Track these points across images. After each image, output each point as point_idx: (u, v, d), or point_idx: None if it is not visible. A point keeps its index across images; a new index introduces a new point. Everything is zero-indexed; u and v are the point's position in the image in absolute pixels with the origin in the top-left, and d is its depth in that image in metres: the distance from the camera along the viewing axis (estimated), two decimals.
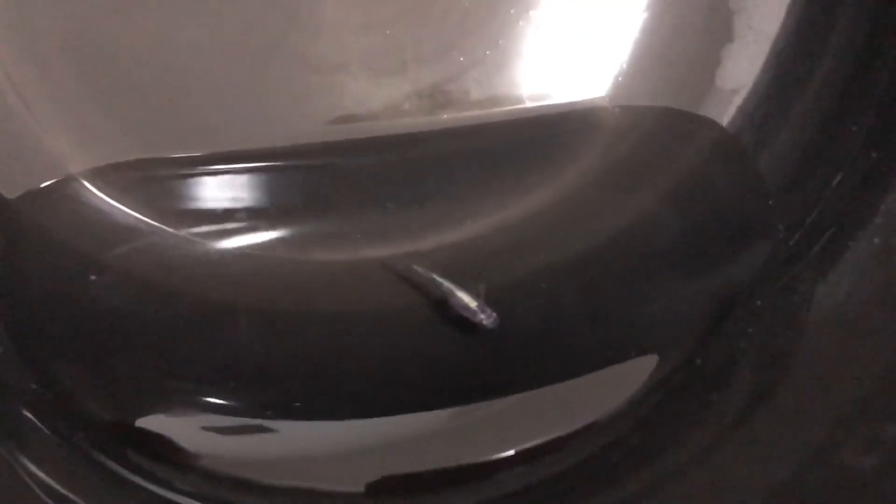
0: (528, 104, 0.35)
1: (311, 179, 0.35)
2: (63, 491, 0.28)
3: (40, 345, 0.31)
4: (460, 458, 0.31)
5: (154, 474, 0.29)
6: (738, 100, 0.35)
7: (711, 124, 0.35)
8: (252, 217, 0.34)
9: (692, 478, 0.26)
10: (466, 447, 0.31)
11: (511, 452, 0.30)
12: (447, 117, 0.35)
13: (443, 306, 0.32)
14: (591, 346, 0.32)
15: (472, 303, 0.32)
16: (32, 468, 0.29)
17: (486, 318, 0.31)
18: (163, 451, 0.30)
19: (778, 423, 0.26)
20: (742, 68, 0.35)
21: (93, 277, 0.32)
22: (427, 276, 0.32)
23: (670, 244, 0.34)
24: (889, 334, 0.26)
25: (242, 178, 0.34)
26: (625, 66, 0.35)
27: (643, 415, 0.29)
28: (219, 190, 0.34)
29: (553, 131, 0.35)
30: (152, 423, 0.30)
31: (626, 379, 0.30)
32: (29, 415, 0.29)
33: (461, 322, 0.32)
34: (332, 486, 0.30)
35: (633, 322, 0.32)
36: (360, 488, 0.30)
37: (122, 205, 0.33)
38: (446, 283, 0.32)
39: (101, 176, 0.33)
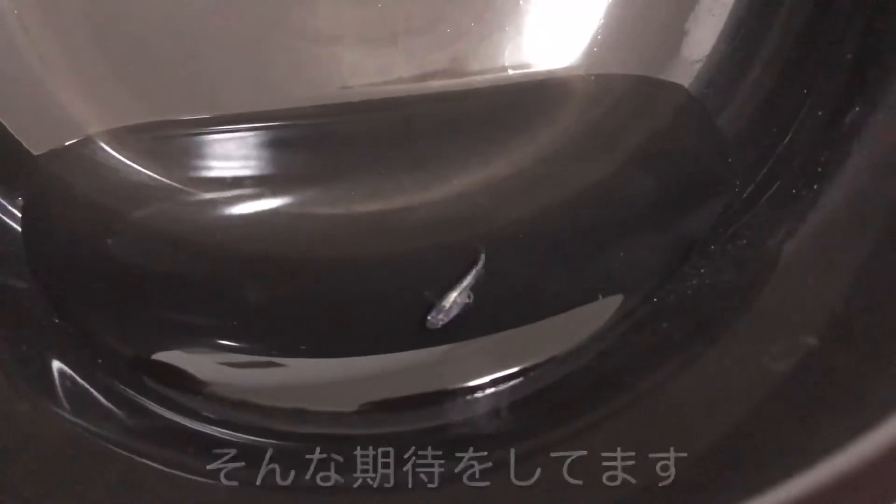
0: (510, 73, 0.38)
1: (310, 141, 0.38)
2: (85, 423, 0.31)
3: (64, 288, 0.34)
4: (441, 384, 0.34)
5: (169, 400, 0.32)
6: (701, 67, 0.38)
7: (678, 89, 0.38)
8: (256, 174, 0.37)
9: (654, 400, 0.29)
10: (446, 375, 0.34)
11: (485, 380, 0.33)
12: (436, 84, 0.38)
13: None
14: (563, 288, 0.35)
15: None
16: (58, 409, 0.31)
17: (433, 319, 0.34)
18: (177, 380, 0.33)
19: (724, 345, 0.29)
20: (705, 38, 0.38)
21: (110, 229, 0.35)
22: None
23: (638, 198, 0.37)
24: (819, 267, 0.30)
25: (247, 140, 0.37)
26: (599, 37, 0.38)
27: (606, 347, 0.32)
28: (224, 150, 0.37)
29: (533, 97, 0.38)
30: (168, 357, 0.34)
31: (593, 316, 0.33)
32: (52, 350, 0.32)
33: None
34: (329, 408, 0.33)
35: (602, 267, 0.35)
36: (354, 408, 0.33)
37: (135, 163, 0.36)
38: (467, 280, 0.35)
39: (117, 137, 0.36)
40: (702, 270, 0.32)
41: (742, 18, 0.37)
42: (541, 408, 0.31)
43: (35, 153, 0.35)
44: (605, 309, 0.33)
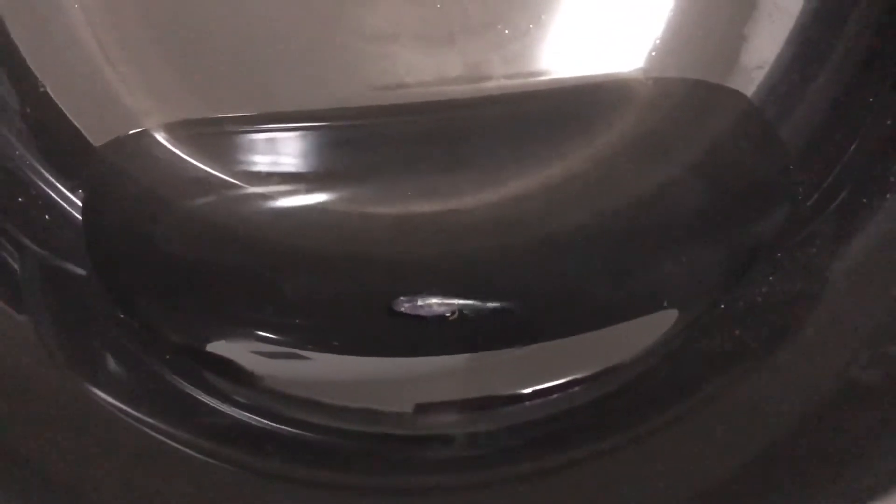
0: (568, 75, 0.38)
1: (365, 140, 0.38)
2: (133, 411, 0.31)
3: (120, 276, 0.34)
4: (500, 389, 0.34)
5: (221, 392, 0.32)
6: (762, 74, 0.37)
7: (737, 96, 0.37)
8: (309, 171, 0.37)
9: (722, 404, 0.28)
10: (498, 381, 0.34)
11: (545, 386, 0.32)
12: (492, 85, 0.37)
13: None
14: (624, 294, 0.34)
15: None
16: (109, 396, 0.31)
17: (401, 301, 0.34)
18: (229, 371, 0.33)
19: (797, 353, 0.28)
20: (767, 44, 0.38)
21: (164, 220, 0.35)
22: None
23: (696, 206, 0.37)
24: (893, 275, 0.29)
25: (301, 137, 0.37)
26: (658, 41, 0.38)
27: (674, 352, 0.31)
28: (278, 146, 0.37)
29: (589, 100, 0.38)
30: (219, 348, 0.34)
31: (659, 323, 0.33)
32: (108, 338, 0.32)
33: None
34: (393, 408, 0.33)
35: (662, 273, 0.35)
36: (410, 409, 0.33)
37: (190, 156, 0.36)
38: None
39: (173, 130, 0.36)
40: (770, 278, 0.32)
41: (805, 25, 0.37)
42: (606, 413, 0.30)
43: (95, 144, 0.35)
44: (670, 315, 0.32)
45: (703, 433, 0.28)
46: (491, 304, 0.35)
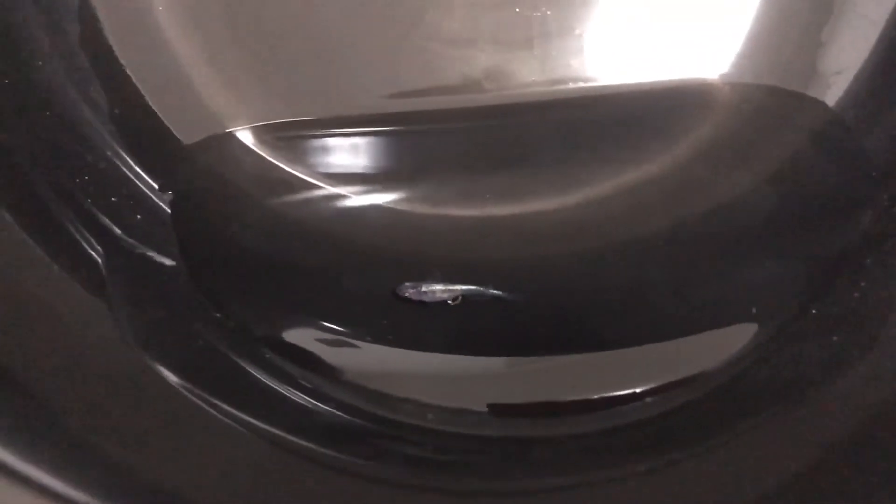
0: (645, 79, 0.38)
1: (443, 142, 0.38)
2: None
3: (207, 270, 0.35)
4: (576, 394, 0.34)
5: (300, 383, 0.32)
6: (842, 80, 0.37)
7: (816, 103, 0.37)
8: (389, 174, 0.37)
9: (817, 402, 0.28)
10: (583, 385, 0.34)
11: (631, 391, 0.32)
12: (570, 89, 0.38)
13: None
14: (704, 303, 0.34)
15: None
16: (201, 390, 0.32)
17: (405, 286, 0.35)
18: (307, 361, 0.33)
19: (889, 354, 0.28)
20: (846, 50, 0.37)
21: (246, 217, 0.36)
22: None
23: (777, 212, 0.37)
24: None
25: (380, 139, 0.37)
26: (736, 46, 0.38)
27: (765, 356, 0.31)
28: (358, 148, 0.37)
29: (667, 105, 0.38)
30: (299, 338, 0.34)
31: (741, 332, 0.33)
32: (194, 327, 0.33)
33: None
34: (457, 404, 0.33)
35: (747, 279, 0.35)
36: (484, 408, 0.33)
37: (271, 157, 0.37)
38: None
39: (257, 132, 0.37)
40: (862, 284, 0.31)
41: (888, 32, 0.37)
42: (702, 415, 0.30)
43: (185, 143, 0.36)
44: (759, 321, 0.32)
45: (800, 428, 0.27)
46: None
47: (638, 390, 0.31)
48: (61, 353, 0.30)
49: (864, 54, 0.37)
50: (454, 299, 0.35)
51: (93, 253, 0.33)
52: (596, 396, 0.32)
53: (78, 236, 0.33)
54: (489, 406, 0.34)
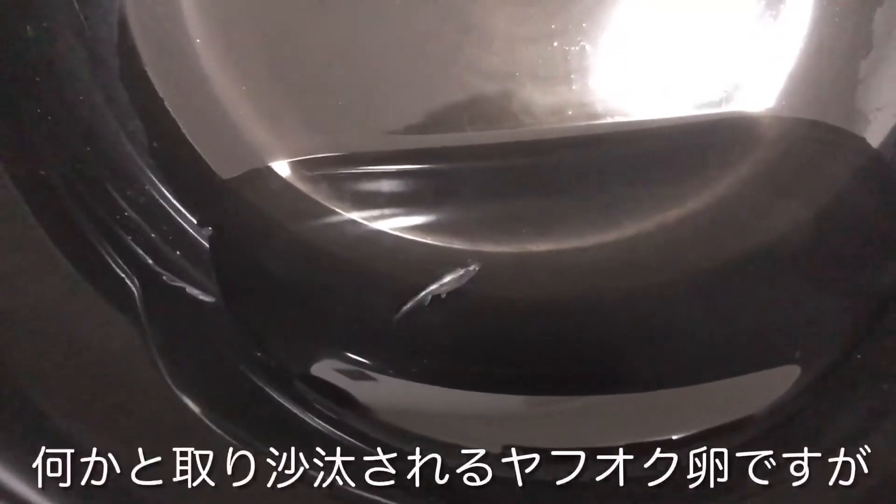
0: (684, 114, 0.37)
1: (480, 177, 0.38)
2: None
3: (245, 305, 0.35)
4: (615, 438, 0.33)
5: (328, 416, 0.32)
6: (882, 117, 0.37)
7: (857, 139, 0.37)
8: (426, 210, 0.37)
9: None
10: (616, 429, 0.34)
11: (668, 437, 0.32)
12: (607, 123, 0.37)
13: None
14: (744, 345, 0.34)
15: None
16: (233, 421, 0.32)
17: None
18: (336, 397, 0.33)
19: None
20: (887, 87, 0.37)
21: (283, 252, 0.36)
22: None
23: (816, 252, 0.36)
24: None
25: (419, 174, 0.37)
26: (777, 81, 0.37)
27: (805, 403, 0.31)
28: (396, 184, 0.37)
29: (707, 139, 0.37)
30: (326, 373, 0.34)
31: (783, 376, 0.32)
32: (233, 365, 0.33)
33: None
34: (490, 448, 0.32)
35: (787, 324, 0.34)
36: (499, 450, 0.32)
37: (311, 192, 0.37)
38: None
39: (294, 167, 0.37)
40: None
41: None
42: (738, 464, 0.30)
43: (224, 178, 0.36)
44: (802, 365, 0.32)
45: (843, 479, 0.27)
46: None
47: (675, 437, 0.31)
48: (101, 397, 0.30)
49: None
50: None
51: (132, 286, 0.33)
52: (632, 441, 0.31)
53: (119, 271, 0.33)
54: (518, 448, 0.33)
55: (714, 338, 0.35)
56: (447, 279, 0.35)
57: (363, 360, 0.35)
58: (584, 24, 0.37)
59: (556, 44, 0.37)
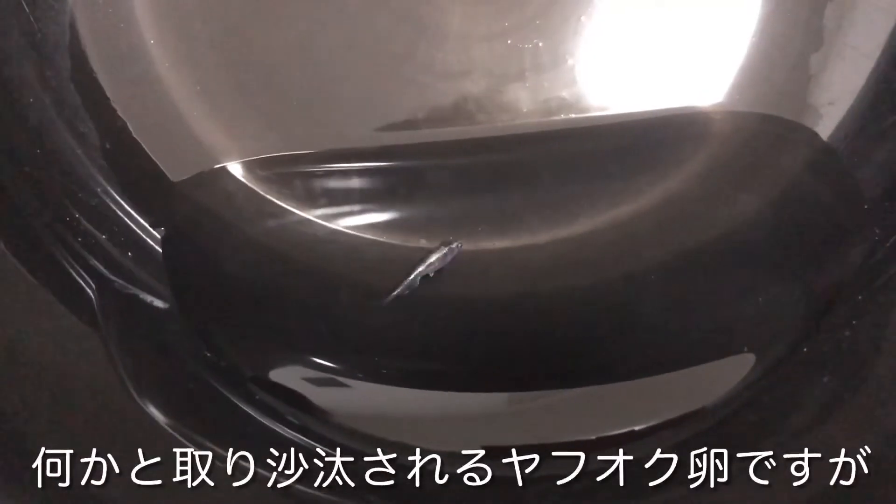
0: (637, 109, 0.38)
1: (436, 175, 0.38)
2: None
3: (199, 308, 0.35)
4: (570, 433, 0.34)
5: (285, 418, 0.33)
6: (834, 111, 0.37)
7: (809, 133, 0.37)
8: (381, 207, 0.37)
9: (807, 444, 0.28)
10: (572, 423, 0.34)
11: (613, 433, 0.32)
12: (562, 120, 0.37)
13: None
14: (695, 339, 0.34)
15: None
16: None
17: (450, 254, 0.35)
18: (292, 399, 0.33)
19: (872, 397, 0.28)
20: (838, 82, 0.37)
21: (240, 253, 0.36)
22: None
23: (769, 245, 0.37)
24: None
25: (372, 173, 0.37)
26: (728, 76, 0.38)
27: (753, 395, 0.31)
28: (350, 182, 0.37)
29: (660, 135, 0.38)
30: (283, 376, 0.34)
31: (732, 369, 0.33)
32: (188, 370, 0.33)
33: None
34: (449, 447, 0.33)
35: (736, 318, 0.35)
36: (477, 448, 0.32)
37: (265, 192, 0.37)
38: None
39: (248, 167, 0.37)
40: (854, 322, 0.31)
41: (881, 66, 0.37)
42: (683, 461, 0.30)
43: (176, 179, 0.35)
44: (749, 358, 0.32)
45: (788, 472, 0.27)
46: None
47: (618, 432, 0.31)
48: (51, 391, 0.29)
49: (856, 86, 0.37)
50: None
51: (88, 290, 0.33)
52: (592, 437, 0.32)
53: (76, 276, 0.33)
54: (482, 447, 0.33)
55: (670, 330, 0.35)
56: (433, 258, 0.35)
57: (320, 362, 0.35)
58: (537, 22, 0.37)
59: (509, 42, 0.37)
